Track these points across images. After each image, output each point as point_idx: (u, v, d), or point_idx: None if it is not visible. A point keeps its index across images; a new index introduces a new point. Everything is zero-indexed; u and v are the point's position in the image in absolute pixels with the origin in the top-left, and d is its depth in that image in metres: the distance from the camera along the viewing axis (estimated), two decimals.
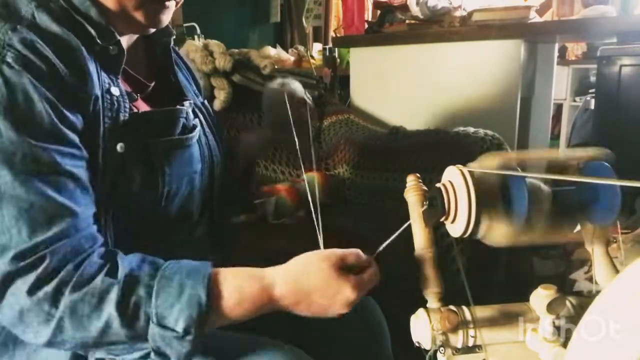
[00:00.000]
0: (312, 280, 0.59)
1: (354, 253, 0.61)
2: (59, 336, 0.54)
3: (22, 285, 0.53)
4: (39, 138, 0.55)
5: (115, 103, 0.65)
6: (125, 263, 0.58)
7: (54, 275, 0.54)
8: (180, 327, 0.55)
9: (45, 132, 0.56)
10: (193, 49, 1.66)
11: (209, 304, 0.56)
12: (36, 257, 0.53)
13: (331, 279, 0.59)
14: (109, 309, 0.54)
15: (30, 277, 0.53)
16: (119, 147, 0.64)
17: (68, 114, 0.58)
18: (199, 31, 2.37)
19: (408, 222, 0.62)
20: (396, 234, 0.63)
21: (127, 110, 0.66)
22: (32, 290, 0.53)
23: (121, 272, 0.57)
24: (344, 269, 0.60)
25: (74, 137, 0.59)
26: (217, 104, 1.67)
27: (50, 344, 0.55)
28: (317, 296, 0.59)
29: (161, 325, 0.55)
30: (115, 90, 0.65)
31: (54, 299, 0.54)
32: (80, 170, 0.59)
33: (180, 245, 0.73)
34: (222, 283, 0.59)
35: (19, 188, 0.53)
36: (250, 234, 1.29)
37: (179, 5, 0.71)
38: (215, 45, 1.69)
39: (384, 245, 0.64)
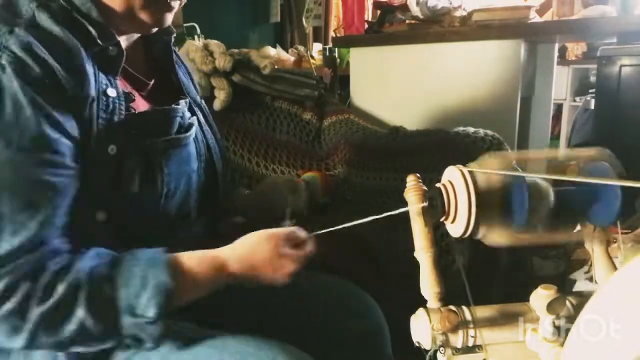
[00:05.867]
0: (259, 256, 0.67)
1: (292, 232, 0.70)
2: (33, 343, 0.56)
3: None
4: (21, 147, 0.55)
5: (111, 105, 0.65)
6: (84, 264, 0.59)
7: (13, 293, 0.54)
8: (152, 313, 0.58)
9: (29, 139, 0.56)
10: (193, 49, 1.66)
11: (172, 289, 0.59)
12: None
13: (274, 257, 0.67)
14: (80, 312, 0.56)
15: None
16: (110, 149, 0.64)
17: (61, 119, 0.58)
18: (199, 31, 2.37)
19: (370, 218, 0.70)
20: (344, 225, 0.71)
21: (123, 111, 0.66)
22: None
23: (83, 274, 0.57)
24: (288, 245, 0.68)
25: (63, 144, 0.59)
26: (217, 104, 1.67)
27: (26, 348, 0.57)
28: (265, 270, 0.67)
29: (132, 314, 0.57)
30: (111, 92, 0.65)
31: (21, 313, 0.54)
32: (61, 179, 0.59)
33: (181, 244, 0.73)
34: (180, 267, 0.63)
35: None
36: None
37: (182, 4, 0.71)
38: (215, 45, 1.69)
39: (326, 230, 0.72)
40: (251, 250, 0.67)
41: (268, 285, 0.68)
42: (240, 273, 0.66)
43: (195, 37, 2.28)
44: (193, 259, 0.64)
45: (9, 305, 0.54)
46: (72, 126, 0.60)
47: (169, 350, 0.64)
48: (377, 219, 0.68)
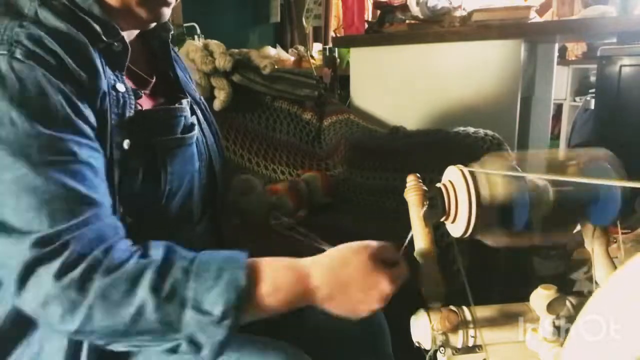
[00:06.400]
0: (350, 271, 0.58)
1: (390, 246, 0.61)
2: (87, 325, 0.52)
3: (46, 272, 0.51)
4: (55, 129, 0.55)
5: (121, 99, 0.65)
6: (159, 248, 0.57)
7: (80, 261, 0.52)
8: (218, 311, 0.53)
9: (61, 123, 0.56)
10: (193, 49, 1.66)
11: (248, 288, 0.55)
12: (59, 243, 0.52)
13: (369, 271, 0.57)
14: (142, 292, 0.52)
15: (55, 264, 0.51)
16: (126, 143, 0.63)
17: (82, 107, 0.58)
18: (199, 31, 2.37)
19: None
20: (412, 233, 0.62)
21: (133, 106, 0.66)
22: (57, 277, 0.51)
23: (156, 255, 0.56)
24: (379, 262, 0.59)
25: (89, 130, 0.59)
26: (217, 104, 1.67)
27: (78, 333, 0.53)
28: (354, 288, 0.57)
29: (197, 309, 0.53)
30: (120, 87, 0.65)
31: (82, 285, 0.52)
32: (97, 161, 0.59)
33: (183, 245, 0.73)
34: (259, 269, 0.57)
35: (38, 179, 0.53)
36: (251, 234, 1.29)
37: (178, 0, 0.71)
38: (215, 45, 1.69)
39: (407, 241, 0.63)
40: (341, 260, 0.59)
41: (352, 313, 0.59)
42: (324, 287, 0.57)
43: (195, 37, 2.29)
44: (275, 265, 0.59)
45: (73, 275, 0.51)
46: (91, 116, 0.60)
47: (168, 350, 0.64)
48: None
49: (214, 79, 1.66)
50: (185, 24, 2.39)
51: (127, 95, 0.66)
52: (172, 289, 0.53)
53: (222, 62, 1.63)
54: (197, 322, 0.53)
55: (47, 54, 0.56)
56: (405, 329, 0.61)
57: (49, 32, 0.58)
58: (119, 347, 0.57)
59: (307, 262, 0.59)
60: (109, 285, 0.52)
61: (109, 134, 0.62)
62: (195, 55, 1.64)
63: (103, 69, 0.63)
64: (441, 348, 0.57)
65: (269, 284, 0.57)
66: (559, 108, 3.26)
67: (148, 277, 0.53)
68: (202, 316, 0.53)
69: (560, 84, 3.05)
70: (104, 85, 0.62)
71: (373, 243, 0.60)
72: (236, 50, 1.76)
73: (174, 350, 0.55)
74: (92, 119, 0.60)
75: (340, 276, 0.58)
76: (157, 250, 0.57)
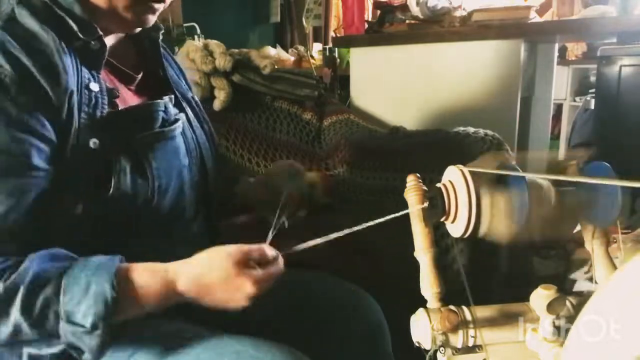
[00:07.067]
0: (214, 275, 0.62)
1: (258, 249, 0.64)
2: None
3: None
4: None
5: (93, 99, 0.65)
6: (34, 264, 0.58)
7: None
8: (88, 323, 0.56)
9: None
10: (193, 49, 1.66)
11: (114, 300, 0.58)
12: None
13: (231, 276, 0.61)
14: (14, 314, 0.56)
15: None
16: (92, 143, 0.64)
17: (31, 122, 0.59)
18: (199, 31, 2.37)
19: (331, 236, 0.65)
20: (316, 241, 0.66)
21: (105, 106, 0.66)
22: None
23: (28, 275, 0.57)
24: (248, 264, 0.62)
25: (33, 146, 0.59)
26: (217, 104, 1.67)
27: None
28: (219, 291, 0.62)
29: (70, 322, 0.57)
30: (94, 86, 0.66)
31: None
32: (22, 181, 0.59)
33: (179, 244, 0.73)
34: (127, 279, 0.60)
35: None
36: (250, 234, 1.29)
37: (167, 5, 0.71)
38: (215, 45, 1.69)
39: (300, 247, 0.66)
40: (206, 266, 0.63)
41: (221, 307, 0.63)
42: (190, 291, 0.62)
43: (195, 37, 2.29)
44: (145, 272, 0.62)
45: None
46: (44, 127, 0.60)
47: (168, 351, 0.64)
48: (369, 225, 0.64)
49: (214, 79, 1.66)
50: (185, 24, 2.39)
51: (99, 95, 0.66)
52: (43, 306, 0.57)
53: (222, 62, 1.63)
54: (73, 333, 0.57)
55: (7, 61, 0.57)
56: (405, 329, 0.61)
57: (17, 33, 0.59)
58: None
59: (174, 268, 0.63)
60: None
61: (74, 133, 0.63)
62: (195, 55, 1.64)
63: (77, 67, 0.64)
64: (441, 348, 0.57)
65: (136, 292, 0.60)
66: (559, 108, 3.26)
67: (19, 299, 0.56)
68: (75, 327, 0.57)
69: (560, 84, 3.05)
70: (73, 86, 0.62)
71: (243, 247, 0.63)
72: (236, 50, 1.75)
73: (64, 352, 0.61)
74: (45, 131, 0.60)
75: (204, 281, 0.62)
76: (33, 267, 0.58)
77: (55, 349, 0.64)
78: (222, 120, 1.66)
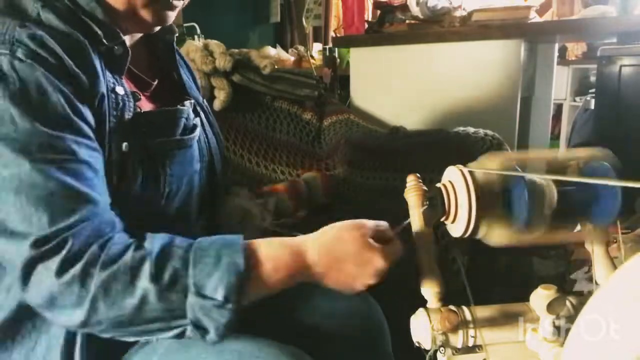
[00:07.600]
0: (345, 247, 0.60)
1: (384, 224, 0.63)
2: (93, 317, 0.54)
3: (46, 269, 0.53)
4: (55, 127, 0.56)
5: (120, 102, 0.65)
6: (156, 239, 0.58)
7: (79, 257, 0.53)
8: (220, 295, 0.55)
9: (60, 122, 0.56)
10: (193, 49, 1.66)
11: (247, 271, 0.56)
12: (58, 240, 0.53)
13: (363, 247, 0.59)
14: (143, 282, 0.54)
15: (55, 261, 0.53)
16: (124, 146, 0.64)
17: (81, 108, 0.59)
18: (199, 31, 2.37)
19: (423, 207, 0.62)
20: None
21: (132, 109, 0.66)
22: (59, 274, 0.53)
23: (153, 246, 0.56)
24: (373, 239, 0.61)
25: (88, 130, 0.59)
26: (217, 104, 1.67)
27: (85, 325, 0.55)
28: (349, 263, 0.60)
29: (200, 294, 0.55)
30: (120, 90, 0.65)
31: (83, 280, 0.53)
32: (96, 161, 0.59)
33: None
34: (257, 251, 0.59)
35: (37, 176, 0.54)
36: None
37: (185, 3, 0.71)
38: (215, 45, 1.69)
39: (405, 223, 0.64)
40: (336, 237, 0.61)
41: (348, 288, 0.61)
42: (319, 263, 0.60)
43: (195, 37, 2.29)
44: (273, 243, 0.61)
45: (73, 271, 0.53)
46: (90, 117, 0.60)
47: (168, 350, 0.64)
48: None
49: (214, 79, 1.66)
50: (185, 24, 2.39)
51: (126, 99, 0.66)
52: (172, 277, 0.55)
53: (222, 62, 1.63)
54: (201, 307, 0.55)
55: (48, 54, 0.57)
56: (405, 329, 0.61)
57: (51, 32, 0.58)
58: (128, 337, 0.59)
59: (302, 240, 0.62)
60: (109, 278, 0.54)
61: (107, 136, 0.62)
62: (195, 55, 1.64)
63: (103, 71, 0.63)
64: (441, 348, 0.57)
65: (267, 264, 0.59)
66: (559, 108, 3.26)
67: (147, 267, 0.54)
68: (205, 301, 0.55)
69: (560, 84, 3.05)
70: (103, 88, 0.62)
71: (367, 221, 0.62)
72: (236, 50, 1.75)
73: (179, 336, 0.57)
74: (90, 119, 0.60)
75: (335, 252, 0.60)
76: (153, 242, 0.58)
77: (169, 334, 0.58)
78: (222, 120, 1.66)
